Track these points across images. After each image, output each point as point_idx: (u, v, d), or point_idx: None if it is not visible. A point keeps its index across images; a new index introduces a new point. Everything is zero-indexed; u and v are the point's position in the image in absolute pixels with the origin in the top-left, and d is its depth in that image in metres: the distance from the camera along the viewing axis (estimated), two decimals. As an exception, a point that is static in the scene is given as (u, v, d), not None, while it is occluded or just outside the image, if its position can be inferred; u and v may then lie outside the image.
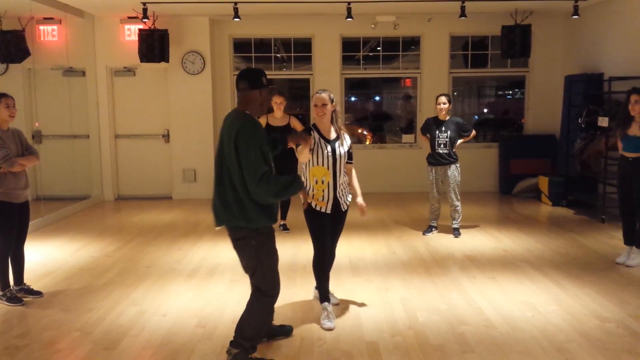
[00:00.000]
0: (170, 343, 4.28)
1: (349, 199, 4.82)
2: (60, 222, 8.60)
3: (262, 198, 3.58)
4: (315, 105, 4.65)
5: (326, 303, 4.66)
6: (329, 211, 4.62)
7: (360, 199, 4.88)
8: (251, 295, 3.83)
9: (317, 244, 4.67)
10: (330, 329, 4.47)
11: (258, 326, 3.83)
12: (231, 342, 3.83)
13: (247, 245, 3.69)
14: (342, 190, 4.70)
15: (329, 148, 4.61)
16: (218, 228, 3.79)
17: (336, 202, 4.66)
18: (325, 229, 4.64)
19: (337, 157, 4.63)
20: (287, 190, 3.67)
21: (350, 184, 4.88)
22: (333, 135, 4.70)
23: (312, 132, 4.64)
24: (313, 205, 4.61)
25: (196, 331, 4.48)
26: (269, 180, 3.55)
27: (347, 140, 4.78)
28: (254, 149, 3.54)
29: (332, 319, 4.57)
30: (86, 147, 10.38)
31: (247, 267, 3.78)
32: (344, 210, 4.74)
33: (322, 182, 4.59)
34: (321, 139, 4.63)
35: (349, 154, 4.78)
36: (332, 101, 4.66)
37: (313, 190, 4.61)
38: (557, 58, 10.51)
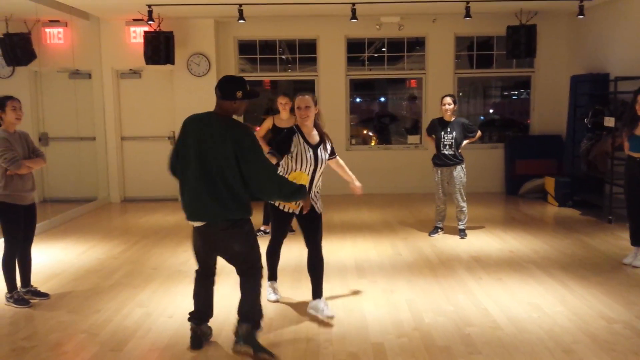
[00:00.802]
0: (176, 345, 4.29)
1: (320, 204, 4.80)
2: (66, 224, 8.63)
3: (272, 195, 4.00)
4: (298, 108, 4.58)
5: (273, 281, 5.19)
6: (297, 212, 4.70)
7: (357, 182, 5.10)
8: (245, 277, 4.06)
9: (274, 236, 4.98)
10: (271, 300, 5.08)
11: (259, 300, 4.12)
12: (240, 318, 4.10)
13: (240, 233, 3.93)
14: (316, 195, 4.75)
15: (311, 153, 4.60)
16: (200, 224, 3.95)
17: (313, 206, 4.70)
18: (287, 228, 4.98)
19: (319, 162, 4.65)
20: (295, 194, 3.99)
21: (344, 172, 5.09)
22: (316, 139, 4.66)
23: (295, 136, 4.60)
24: (281, 207, 4.72)
25: (202, 333, 4.48)
26: (282, 179, 3.98)
27: (329, 145, 4.80)
28: (262, 151, 3.89)
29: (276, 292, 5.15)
30: (92, 150, 10.41)
31: (240, 252, 4.00)
32: (318, 213, 4.73)
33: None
34: (305, 144, 4.59)
35: (331, 150, 4.87)
36: (315, 104, 4.61)
37: None
38: (562, 58, 10.48)
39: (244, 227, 3.95)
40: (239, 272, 4.09)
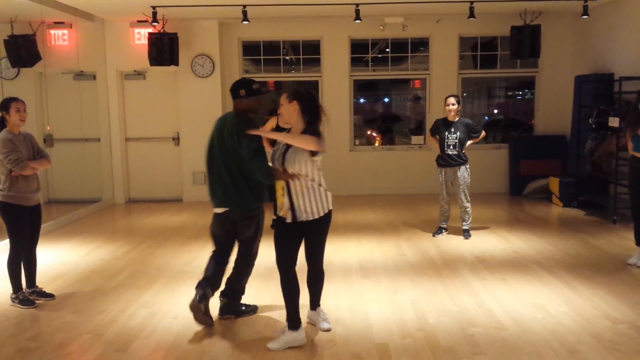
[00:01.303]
0: (180, 345, 4.30)
1: (316, 211, 4.15)
2: (71, 225, 8.66)
3: (255, 173, 4.28)
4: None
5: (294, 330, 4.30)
6: (289, 220, 4.16)
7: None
8: (241, 260, 4.72)
9: (277, 262, 4.31)
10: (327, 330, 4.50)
11: (247, 279, 4.88)
12: (222, 292, 4.75)
13: (254, 221, 4.57)
14: (302, 198, 4.13)
15: (281, 151, 4.20)
16: (221, 210, 4.51)
17: (293, 210, 4.15)
18: (283, 240, 4.25)
19: (285, 160, 4.14)
20: (268, 175, 4.24)
21: None
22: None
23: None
24: (280, 213, 4.24)
25: (206, 333, 4.49)
26: (259, 160, 4.23)
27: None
28: (253, 138, 4.31)
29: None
30: (97, 151, 10.45)
31: (249, 238, 4.62)
32: (303, 219, 4.13)
33: (283, 188, 4.19)
34: (279, 143, 4.28)
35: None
36: (292, 99, 4.15)
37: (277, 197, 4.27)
38: (566, 58, 10.46)
39: (259, 215, 4.60)
40: (240, 253, 4.72)
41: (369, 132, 11.95)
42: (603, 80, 9.02)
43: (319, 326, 4.55)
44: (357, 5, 8.70)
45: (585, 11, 8.90)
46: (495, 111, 12.07)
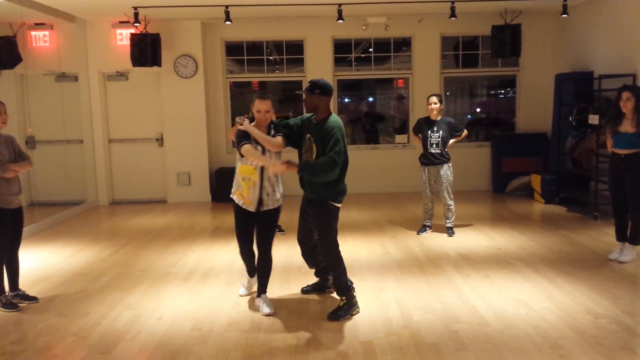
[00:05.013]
0: (165, 347, 4.30)
1: (278, 201, 4.89)
2: (54, 227, 8.59)
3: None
4: (258, 111, 4.69)
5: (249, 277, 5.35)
6: (253, 210, 4.81)
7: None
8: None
9: (238, 240, 5.07)
10: (240, 295, 5.28)
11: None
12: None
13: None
14: (269, 192, 4.79)
15: (259, 148, 4.70)
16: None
17: (260, 202, 4.79)
18: (246, 226, 4.96)
19: (267, 155, 4.72)
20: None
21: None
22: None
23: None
24: (240, 203, 4.83)
25: (192, 334, 4.49)
26: None
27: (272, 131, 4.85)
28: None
29: (247, 288, 5.35)
30: (80, 152, 10.37)
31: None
32: (268, 209, 4.82)
33: (249, 180, 4.74)
34: (254, 142, 4.68)
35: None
36: (273, 107, 4.77)
37: (240, 188, 4.80)
38: (547, 57, 10.58)
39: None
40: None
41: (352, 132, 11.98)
42: (583, 78, 9.13)
43: (261, 312, 4.85)
44: (340, 5, 8.72)
45: (565, 10, 9.00)
46: (478, 110, 12.16)
